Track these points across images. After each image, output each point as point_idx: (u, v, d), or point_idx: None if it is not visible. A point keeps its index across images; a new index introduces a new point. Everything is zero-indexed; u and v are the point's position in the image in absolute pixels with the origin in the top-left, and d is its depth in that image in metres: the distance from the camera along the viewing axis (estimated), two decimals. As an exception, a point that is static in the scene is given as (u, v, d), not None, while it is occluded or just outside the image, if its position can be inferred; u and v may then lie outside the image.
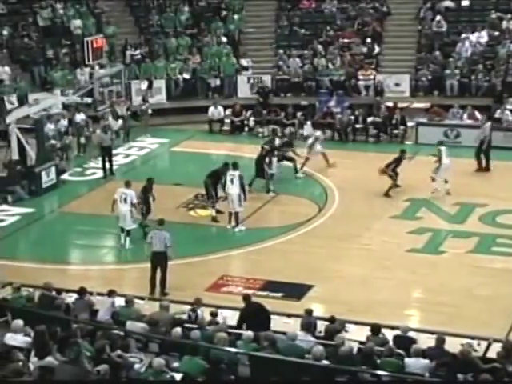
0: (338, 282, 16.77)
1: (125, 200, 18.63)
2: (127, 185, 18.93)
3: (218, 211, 20.08)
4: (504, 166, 23.50)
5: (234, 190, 19.35)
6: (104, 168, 23.63)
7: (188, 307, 14.49)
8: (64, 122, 25.14)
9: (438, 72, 28.88)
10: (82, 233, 19.86)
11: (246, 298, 14.29)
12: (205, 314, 14.00)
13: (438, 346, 12.56)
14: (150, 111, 27.31)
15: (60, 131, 24.79)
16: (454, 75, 28.49)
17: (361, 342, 12.85)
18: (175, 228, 18.49)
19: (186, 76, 29.80)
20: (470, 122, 25.57)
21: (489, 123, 23.93)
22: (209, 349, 12.08)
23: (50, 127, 24.34)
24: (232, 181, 19.40)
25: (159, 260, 16.34)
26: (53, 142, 23.85)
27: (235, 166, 19.81)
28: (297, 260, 17.84)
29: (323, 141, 23.94)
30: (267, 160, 21.76)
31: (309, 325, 13.47)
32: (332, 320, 13.62)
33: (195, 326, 13.33)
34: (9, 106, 26.51)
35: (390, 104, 27.02)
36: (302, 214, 20.32)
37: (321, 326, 13.69)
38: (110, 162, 23.67)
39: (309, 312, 13.87)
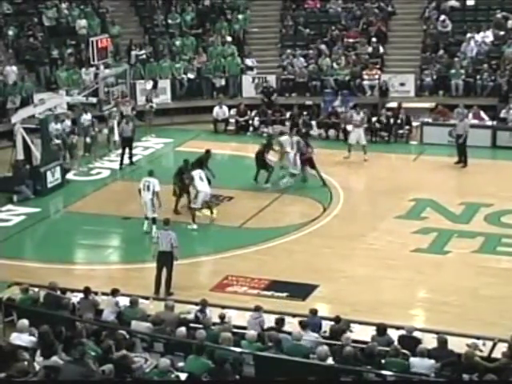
0: (343, 282, 16.76)
1: (148, 188, 18.99)
2: (150, 173, 19.43)
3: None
4: (510, 165, 23.47)
5: (206, 187, 19.68)
6: (122, 159, 24.15)
7: (192, 307, 14.53)
8: (68, 122, 25.10)
9: (442, 72, 28.83)
10: (87, 232, 19.88)
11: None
12: (211, 314, 14.02)
13: (441, 346, 12.55)
14: (154, 108, 27.38)
15: (64, 131, 24.73)
16: (459, 75, 28.44)
17: (366, 342, 12.84)
18: (180, 228, 18.54)
19: (191, 76, 29.82)
20: (475, 121, 25.54)
21: (466, 120, 24.19)
22: (214, 348, 12.09)
23: (54, 127, 24.36)
24: (201, 178, 19.70)
25: (165, 260, 16.35)
26: (57, 141, 23.88)
27: (200, 165, 20.36)
28: (301, 260, 17.84)
29: None
30: (266, 154, 21.97)
31: (307, 323, 13.44)
32: (337, 320, 13.62)
33: (200, 326, 13.34)
34: (12, 106, 26.60)
35: (394, 104, 27.03)
36: (307, 214, 20.32)
37: (325, 325, 13.70)
38: (130, 152, 24.29)
39: (313, 312, 13.88)
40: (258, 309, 13.97)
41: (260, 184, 21.97)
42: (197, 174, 19.79)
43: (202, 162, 20.74)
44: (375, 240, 18.82)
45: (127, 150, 24.33)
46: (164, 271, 16.35)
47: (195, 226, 19.64)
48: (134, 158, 24.87)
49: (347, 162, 23.74)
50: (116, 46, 30.11)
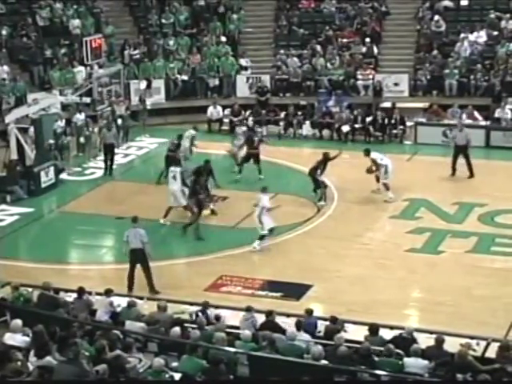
0: (337, 282, 16.77)
1: (174, 178, 19.10)
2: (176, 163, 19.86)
3: (212, 211, 20.23)
4: (503, 165, 23.52)
5: (176, 185, 19.58)
6: (106, 166, 23.75)
7: (187, 307, 14.52)
8: (60, 123, 24.91)
9: (436, 72, 28.88)
10: (80, 232, 19.85)
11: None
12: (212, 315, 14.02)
13: (437, 346, 12.55)
14: (148, 106, 27.30)
15: (55, 131, 24.60)
16: (453, 75, 28.49)
17: (360, 342, 12.85)
18: (175, 227, 18.52)
19: (185, 76, 29.80)
20: (469, 121, 25.56)
21: (466, 129, 23.16)
22: (208, 348, 12.08)
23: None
24: (174, 177, 19.66)
25: (137, 257, 16.30)
26: (50, 141, 23.83)
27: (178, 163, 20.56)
28: (296, 260, 17.84)
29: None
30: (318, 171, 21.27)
31: (302, 324, 13.43)
32: (333, 320, 13.61)
33: (195, 326, 13.34)
34: (6, 106, 26.55)
35: (388, 104, 27.07)
36: (301, 214, 20.32)
37: (320, 325, 13.69)
38: (112, 160, 23.75)
39: (309, 312, 13.87)
40: (249, 309, 13.93)
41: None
42: (172, 171, 19.84)
43: (201, 171, 20.18)
44: (369, 240, 18.84)
45: (110, 158, 23.72)
46: (140, 270, 16.27)
47: (168, 223, 19.60)
48: (129, 158, 24.86)
49: (343, 162, 23.70)
50: (110, 45, 30.08)
